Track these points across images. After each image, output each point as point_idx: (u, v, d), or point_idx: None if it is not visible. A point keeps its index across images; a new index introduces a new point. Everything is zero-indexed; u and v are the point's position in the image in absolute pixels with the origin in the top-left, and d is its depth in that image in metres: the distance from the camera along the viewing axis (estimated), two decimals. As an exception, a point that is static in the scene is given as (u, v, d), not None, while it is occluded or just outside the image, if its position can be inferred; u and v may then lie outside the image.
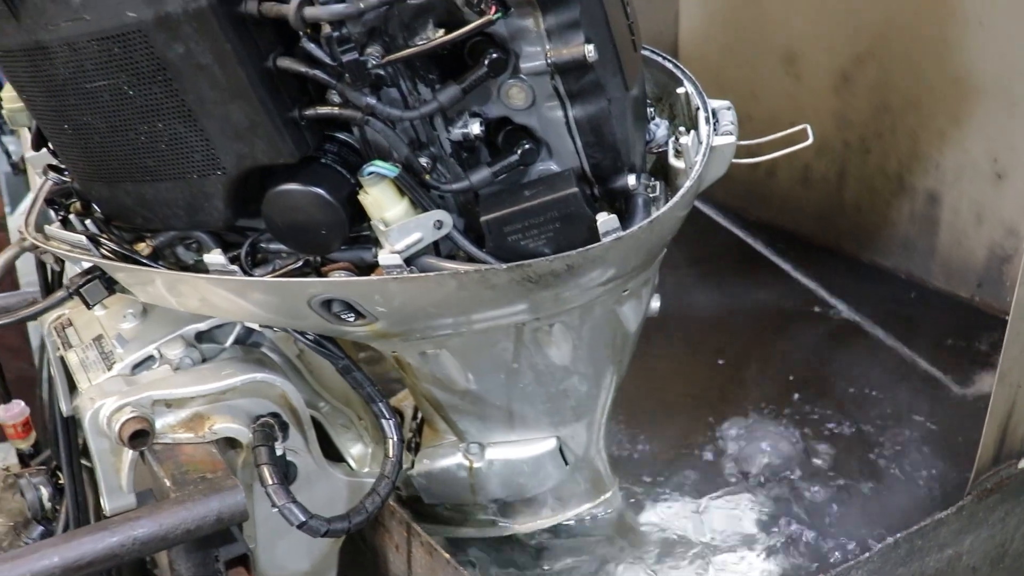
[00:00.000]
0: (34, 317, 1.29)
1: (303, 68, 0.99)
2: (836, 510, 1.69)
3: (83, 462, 1.76)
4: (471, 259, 1.12)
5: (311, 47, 0.96)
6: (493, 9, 0.95)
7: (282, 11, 0.94)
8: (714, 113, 1.25)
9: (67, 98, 1.08)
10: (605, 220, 1.06)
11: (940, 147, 2.35)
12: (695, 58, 2.82)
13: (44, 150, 1.41)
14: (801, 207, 2.69)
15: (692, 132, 1.21)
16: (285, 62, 0.99)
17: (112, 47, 1.01)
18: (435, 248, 1.12)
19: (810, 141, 1.24)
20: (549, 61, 1.01)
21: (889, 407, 2.00)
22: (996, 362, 2.09)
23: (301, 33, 0.96)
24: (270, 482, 1.19)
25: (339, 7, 0.92)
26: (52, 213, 1.32)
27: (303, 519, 1.18)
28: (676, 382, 2.13)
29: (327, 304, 1.13)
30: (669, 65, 1.35)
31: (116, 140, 1.10)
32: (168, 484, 1.19)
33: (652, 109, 1.31)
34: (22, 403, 1.91)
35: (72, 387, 1.53)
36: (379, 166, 1.04)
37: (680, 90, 1.29)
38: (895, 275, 2.50)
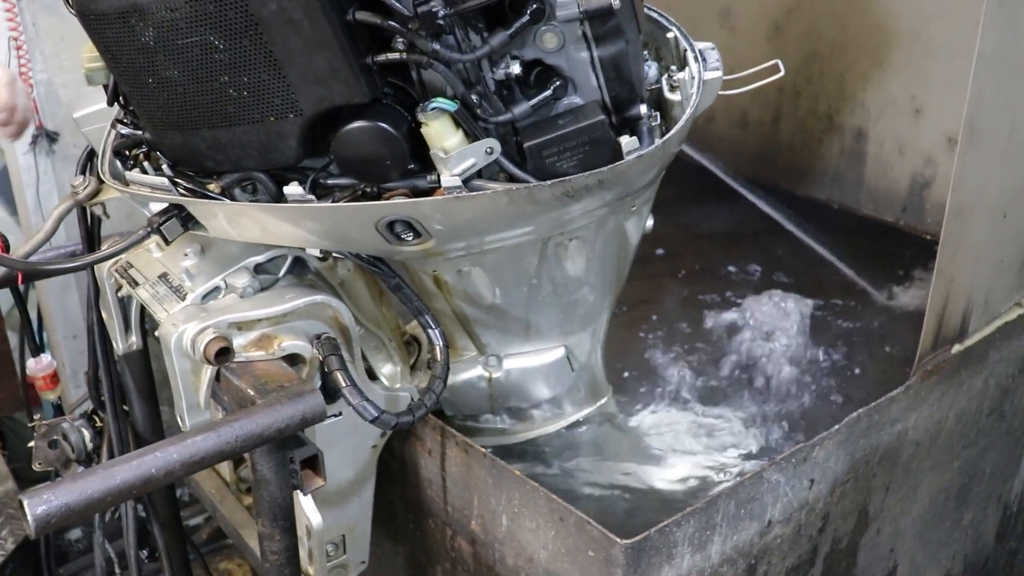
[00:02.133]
0: (121, 252, 1.43)
1: (379, 20, 1.17)
2: (797, 393, 1.97)
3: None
4: (511, 180, 1.31)
5: (391, 1, 1.14)
6: (540, -35, 1.14)
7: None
8: (700, 53, 1.46)
9: (156, 55, 1.24)
10: (628, 141, 1.28)
11: (864, 88, 2.62)
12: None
13: (90, 109, 1.56)
14: (740, 149, 2.95)
15: (686, 68, 1.42)
16: (363, 14, 1.17)
17: (207, 6, 1.17)
18: (479, 174, 1.32)
19: (782, 73, 1.46)
20: (581, 9, 1.21)
21: (832, 312, 2.28)
22: (920, 275, 2.39)
23: (381, -10, 1.14)
24: (344, 384, 1.37)
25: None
26: (119, 164, 1.47)
27: (376, 414, 1.37)
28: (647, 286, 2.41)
29: (391, 225, 1.31)
30: (654, 15, 1.56)
31: (199, 90, 1.26)
32: (252, 393, 1.36)
33: (644, 54, 1.52)
34: (49, 356, 2.06)
35: (127, 327, 1.69)
36: (441, 102, 1.23)
37: (669, 35, 1.50)
38: (828, 206, 2.78)
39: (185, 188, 1.37)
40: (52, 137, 2.70)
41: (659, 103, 1.48)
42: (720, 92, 1.45)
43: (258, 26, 1.17)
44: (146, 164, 1.42)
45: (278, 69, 1.21)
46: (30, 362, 2.01)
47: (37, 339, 2.07)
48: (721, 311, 2.25)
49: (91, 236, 1.70)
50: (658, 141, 1.31)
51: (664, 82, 1.47)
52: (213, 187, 1.39)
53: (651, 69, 1.51)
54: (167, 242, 1.40)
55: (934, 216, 2.56)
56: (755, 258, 2.50)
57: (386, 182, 1.31)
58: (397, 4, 1.14)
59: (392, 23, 1.17)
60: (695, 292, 2.40)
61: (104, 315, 1.70)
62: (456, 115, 1.25)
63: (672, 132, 1.32)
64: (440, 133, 1.25)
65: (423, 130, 1.26)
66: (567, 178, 1.25)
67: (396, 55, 1.21)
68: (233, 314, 1.41)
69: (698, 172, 2.53)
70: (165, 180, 1.36)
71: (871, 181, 2.69)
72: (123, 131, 1.42)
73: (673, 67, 1.48)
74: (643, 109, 1.33)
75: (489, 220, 1.32)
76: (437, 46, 1.19)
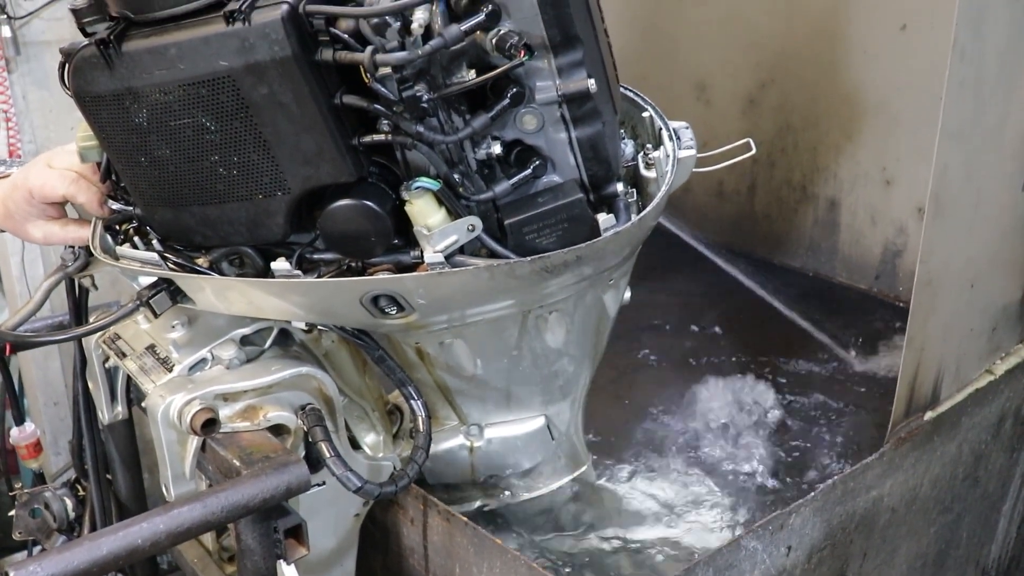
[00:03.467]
0: (111, 324, 1.46)
1: (365, 103, 1.22)
2: (775, 459, 2.00)
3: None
4: (492, 255, 1.35)
5: (377, 86, 1.19)
6: (523, 53, 1.19)
7: (356, 58, 1.16)
8: (675, 132, 1.52)
9: (149, 135, 1.28)
10: (605, 219, 1.32)
11: (837, 159, 2.70)
12: (614, 88, 3.12)
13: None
14: (717, 218, 3.01)
15: (661, 147, 1.48)
16: (350, 98, 1.22)
17: (201, 90, 1.21)
18: (461, 250, 1.36)
19: (753, 152, 1.52)
20: (559, 93, 1.27)
21: (809, 379, 2.32)
22: (895, 341, 2.44)
23: (367, 75, 1.19)
24: (328, 455, 1.39)
25: (403, 54, 1.15)
26: (109, 238, 1.51)
27: (359, 484, 1.39)
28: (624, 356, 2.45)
29: (375, 300, 1.34)
30: (630, 94, 1.62)
31: (190, 169, 1.29)
32: (238, 464, 1.38)
33: (621, 132, 1.58)
34: (33, 425, 2.07)
35: (113, 397, 1.71)
36: (425, 182, 1.27)
37: (645, 114, 1.56)
38: (804, 273, 2.84)
39: (175, 263, 1.40)
40: (40, 206, 2.72)
41: (635, 180, 1.53)
42: (694, 169, 1.51)
43: (248, 109, 1.22)
44: (136, 239, 1.46)
45: (267, 150, 1.25)
46: (13, 431, 2.02)
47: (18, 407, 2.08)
48: (696, 379, 2.30)
49: (79, 308, 1.73)
50: (634, 218, 1.35)
51: (640, 159, 1.52)
52: (201, 261, 1.43)
53: (627, 147, 1.56)
54: (156, 315, 1.43)
55: (906, 284, 2.62)
56: (728, 324, 2.55)
57: (371, 258, 1.35)
58: (383, 89, 1.19)
59: (378, 106, 1.22)
60: (670, 356, 2.45)
61: (90, 385, 1.72)
62: (439, 194, 1.29)
63: (648, 210, 1.36)
64: (423, 211, 1.29)
65: (407, 208, 1.30)
66: (546, 255, 1.29)
67: (382, 137, 1.25)
68: (219, 385, 1.44)
69: (673, 240, 2.59)
70: (155, 255, 1.40)
71: (845, 249, 2.75)
72: (114, 206, 1.46)
73: (649, 145, 1.53)
74: (619, 187, 1.38)
75: (471, 295, 1.36)
76: (421, 128, 1.24)
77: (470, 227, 1.31)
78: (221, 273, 1.46)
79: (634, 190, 1.50)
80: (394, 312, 1.37)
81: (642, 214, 1.35)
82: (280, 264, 1.35)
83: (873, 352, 2.43)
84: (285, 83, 1.19)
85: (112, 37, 1.22)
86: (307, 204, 1.34)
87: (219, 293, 1.43)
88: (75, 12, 1.28)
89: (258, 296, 1.41)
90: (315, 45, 1.18)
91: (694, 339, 2.51)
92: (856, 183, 2.68)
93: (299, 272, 1.36)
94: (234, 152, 1.26)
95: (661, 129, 1.53)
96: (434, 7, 1.21)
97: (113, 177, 1.45)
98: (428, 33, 1.21)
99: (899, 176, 2.59)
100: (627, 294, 1.64)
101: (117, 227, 1.51)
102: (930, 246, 1.73)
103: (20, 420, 2.02)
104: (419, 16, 1.15)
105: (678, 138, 1.51)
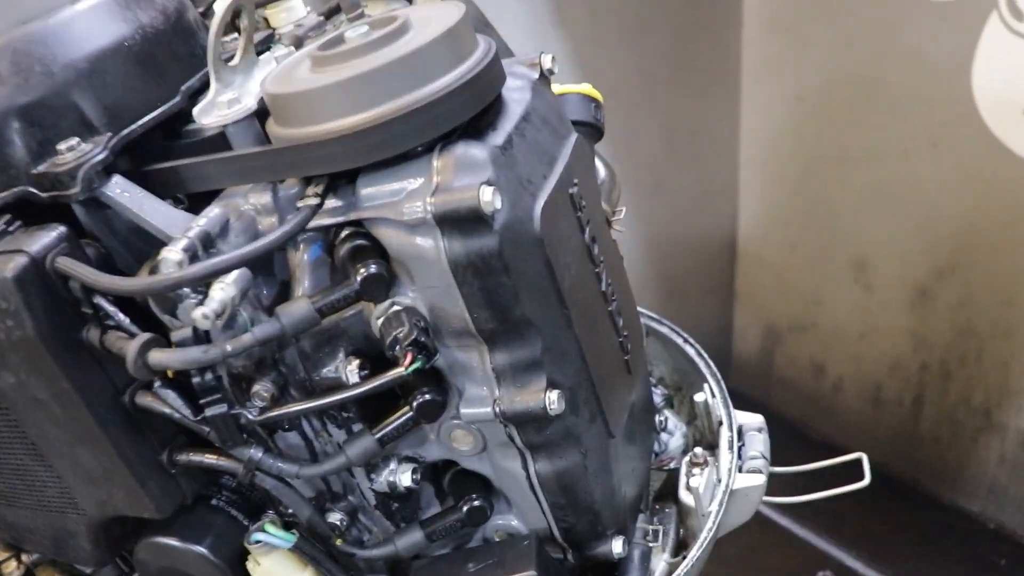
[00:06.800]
0: None
1: (166, 409, 0.74)
2: None
3: None
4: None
5: (165, 393, 0.72)
6: (408, 358, 0.69)
7: (123, 349, 0.69)
8: (740, 432, 0.97)
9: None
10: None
11: (1035, 383, 2.03)
12: (755, 257, 2.55)
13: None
14: (871, 430, 2.36)
15: (707, 469, 0.93)
16: (145, 400, 0.75)
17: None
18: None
19: (867, 481, 0.94)
20: (496, 410, 0.75)
21: None
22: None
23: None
24: None
25: (193, 353, 0.67)
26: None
27: None
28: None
29: None
30: (691, 351, 1.08)
31: (-35, 457, 0.87)
32: None
33: (665, 416, 1.04)
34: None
35: None
36: (270, 533, 0.78)
37: (698, 397, 1.01)
38: (982, 524, 2.15)
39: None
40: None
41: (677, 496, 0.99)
42: (765, 499, 0.95)
43: (3, 400, 0.77)
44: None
45: (41, 456, 0.80)
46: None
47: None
48: None
49: None
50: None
51: (684, 467, 0.97)
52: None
53: (673, 438, 1.03)
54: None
55: None
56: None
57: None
58: (176, 400, 0.72)
59: (187, 418, 0.74)
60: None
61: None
62: (297, 550, 0.79)
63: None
64: (272, 575, 0.80)
65: (249, 567, 0.81)
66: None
67: (201, 456, 0.77)
68: None
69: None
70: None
71: (1041, 503, 2.05)
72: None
73: (698, 450, 0.98)
74: (616, 547, 0.84)
75: None
76: (259, 453, 0.75)
77: (347, 606, 0.81)
78: None
79: (670, 511, 0.96)
80: None
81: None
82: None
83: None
84: (34, 373, 0.73)
85: None
86: (132, 523, 0.87)
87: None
88: None
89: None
90: (78, 318, 0.73)
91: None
92: (1062, 418, 2.00)
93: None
94: (4, 451, 0.82)
95: (720, 424, 0.98)
96: (303, 253, 0.74)
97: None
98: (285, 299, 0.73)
99: (1123, 418, 1.89)
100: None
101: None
102: None
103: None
104: (218, 295, 0.66)
105: (742, 443, 0.96)
